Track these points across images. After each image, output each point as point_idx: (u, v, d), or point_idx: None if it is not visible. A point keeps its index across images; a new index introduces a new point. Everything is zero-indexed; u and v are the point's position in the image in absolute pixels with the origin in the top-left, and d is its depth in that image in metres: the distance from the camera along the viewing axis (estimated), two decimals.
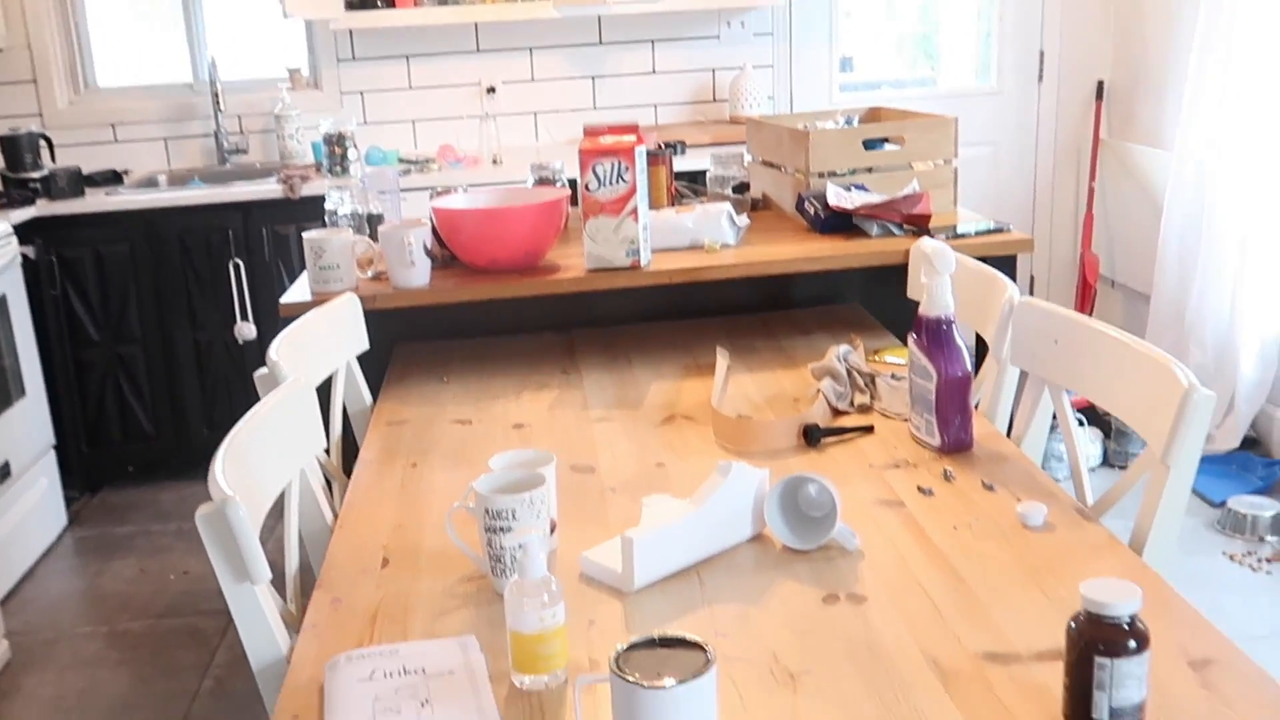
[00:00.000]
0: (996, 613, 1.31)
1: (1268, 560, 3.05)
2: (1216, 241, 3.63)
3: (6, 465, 3.35)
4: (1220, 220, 3.61)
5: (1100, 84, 4.36)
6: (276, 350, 1.81)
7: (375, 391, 2.21)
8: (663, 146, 2.68)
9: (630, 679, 1.03)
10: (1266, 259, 3.51)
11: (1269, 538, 3.15)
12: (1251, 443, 3.67)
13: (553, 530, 1.50)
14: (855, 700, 1.17)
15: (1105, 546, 1.44)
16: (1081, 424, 3.67)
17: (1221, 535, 3.20)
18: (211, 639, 3.06)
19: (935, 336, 1.69)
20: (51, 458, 3.71)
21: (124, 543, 3.65)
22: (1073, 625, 1.09)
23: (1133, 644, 1.06)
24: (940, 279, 1.66)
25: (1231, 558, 3.08)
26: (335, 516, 1.76)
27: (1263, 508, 3.19)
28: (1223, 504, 3.26)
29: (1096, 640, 1.06)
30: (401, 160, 4.00)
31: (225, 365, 3.91)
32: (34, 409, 3.60)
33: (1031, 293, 4.51)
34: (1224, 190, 3.59)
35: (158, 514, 3.83)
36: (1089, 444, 3.65)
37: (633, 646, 1.09)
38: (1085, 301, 4.30)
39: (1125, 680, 1.06)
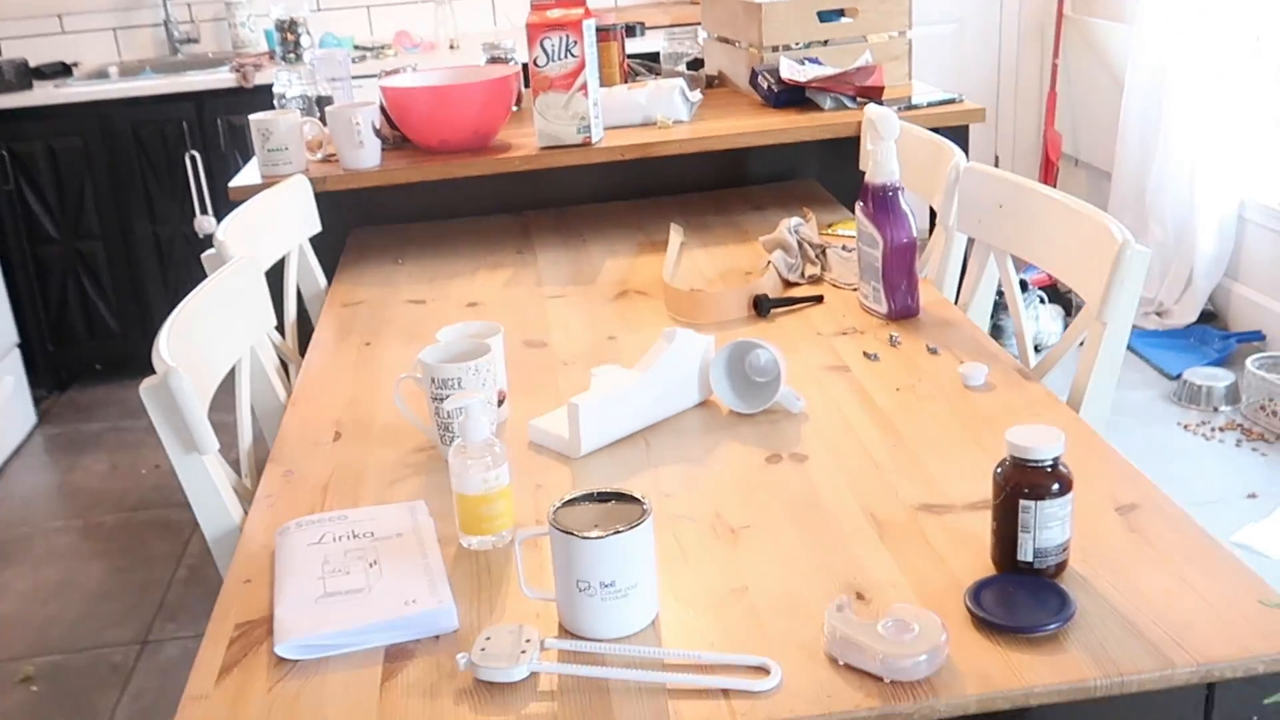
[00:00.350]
0: (933, 467, 1.34)
1: (1220, 429, 3.12)
2: (1175, 117, 3.62)
3: None
4: (1179, 95, 3.60)
5: None
6: (224, 231, 1.80)
7: (331, 276, 2.21)
8: (616, 25, 2.64)
9: (567, 530, 1.06)
10: (1224, 135, 3.51)
11: (1223, 408, 3.21)
12: (1209, 316, 3.71)
13: (501, 402, 1.52)
14: (793, 550, 1.20)
15: (1043, 403, 1.47)
16: (1043, 301, 3.71)
17: (1177, 406, 3.25)
18: (184, 530, 3.09)
19: (881, 203, 1.69)
20: (16, 356, 3.70)
21: (94, 439, 3.67)
22: (999, 471, 1.12)
23: (1056, 486, 1.09)
24: (885, 145, 1.66)
25: (1186, 427, 3.14)
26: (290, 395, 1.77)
27: (1217, 379, 3.24)
28: (1179, 376, 3.31)
29: (1021, 484, 1.09)
30: (357, 47, 3.93)
31: (187, 260, 3.88)
32: None
33: None
34: (1182, 65, 3.57)
35: (126, 411, 3.84)
36: (1050, 321, 3.69)
37: (571, 501, 1.12)
38: (1048, 179, 4.30)
39: (1049, 521, 1.09)
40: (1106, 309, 1.44)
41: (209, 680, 1.08)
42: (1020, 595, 1.08)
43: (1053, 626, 1.03)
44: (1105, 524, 1.20)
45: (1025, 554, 1.11)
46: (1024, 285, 3.67)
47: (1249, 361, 3.16)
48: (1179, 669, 0.99)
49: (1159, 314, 3.74)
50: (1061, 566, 1.12)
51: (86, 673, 2.54)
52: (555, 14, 2.12)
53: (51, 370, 3.98)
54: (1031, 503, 1.09)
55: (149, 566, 2.94)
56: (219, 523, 1.40)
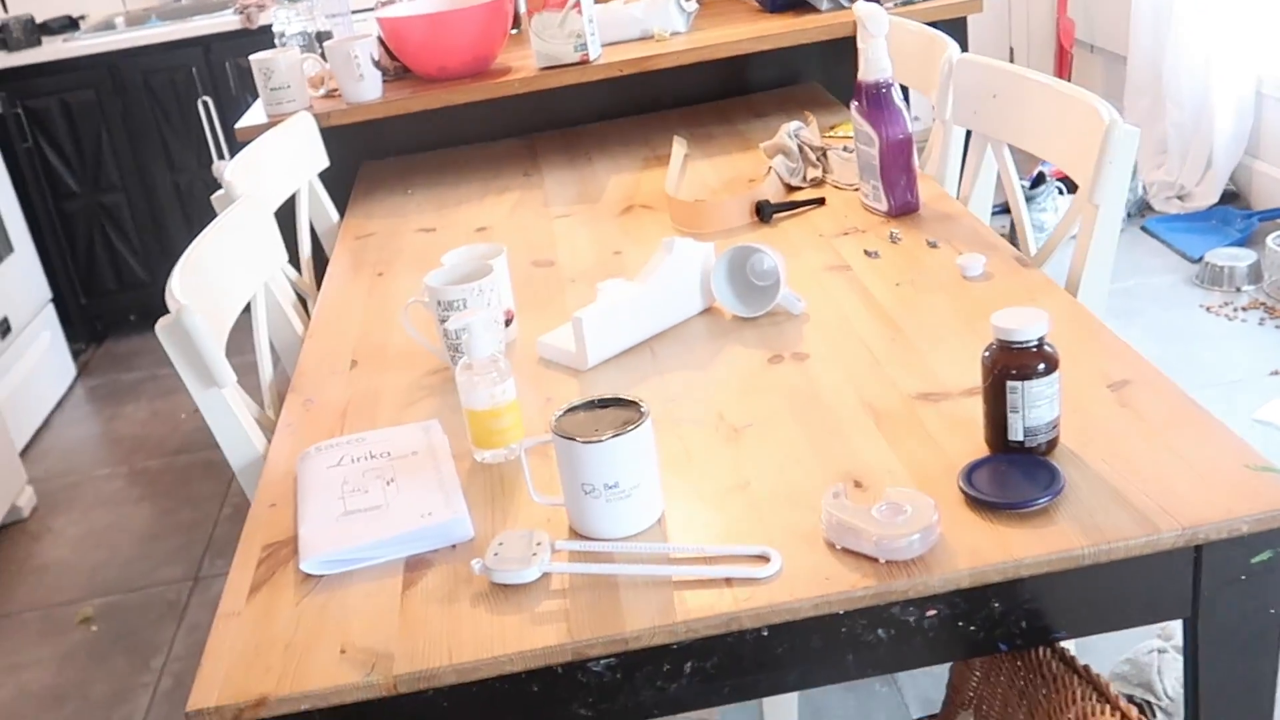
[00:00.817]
0: (931, 358, 1.37)
1: (1243, 309, 3.10)
2: None
3: (5, 321, 3.42)
4: None
5: None
6: (231, 171, 1.84)
7: (344, 210, 2.24)
8: None
9: (569, 436, 1.10)
10: (1239, 11, 3.45)
11: (1245, 287, 3.19)
12: (1231, 196, 3.67)
13: (509, 322, 1.55)
14: (793, 444, 1.24)
15: (1041, 289, 1.49)
16: (1062, 192, 3.68)
17: (1200, 289, 3.24)
18: (226, 470, 3.17)
19: (875, 101, 1.70)
20: (50, 311, 3.78)
21: (133, 388, 3.76)
22: (986, 355, 1.14)
23: (1041, 366, 1.11)
24: (875, 42, 1.66)
25: (1209, 309, 3.14)
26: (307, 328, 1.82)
27: (1240, 259, 3.22)
28: (1201, 259, 3.30)
29: (1008, 366, 1.12)
30: None
31: (208, 205, 3.92)
32: (24, 264, 3.64)
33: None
34: None
35: (162, 359, 3.92)
36: None
37: (573, 409, 1.15)
38: (1063, 68, 4.24)
39: (1037, 400, 1.12)
40: (1098, 190, 1.45)
41: (240, 598, 1.13)
42: (1012, 473, 1.11)
43: (1042, 501, 1.07)
44: (1097, 401, 1.22)
45: (1016, 433, 1.13)
46: (1042, 177, 3.64)
47: (1270, 239, 3.14)
48: (1165, 534, 1.02)
49: (1180, 197, 3.71)
50: (1053, 444, 1.14)
51: (143, 611, 2.64)
52: None
53: (87, 323, 4.06)
54: (1019, 383, 1.11)
55: (195, 507, 3.03)
56: (243, 452, 1.45)
